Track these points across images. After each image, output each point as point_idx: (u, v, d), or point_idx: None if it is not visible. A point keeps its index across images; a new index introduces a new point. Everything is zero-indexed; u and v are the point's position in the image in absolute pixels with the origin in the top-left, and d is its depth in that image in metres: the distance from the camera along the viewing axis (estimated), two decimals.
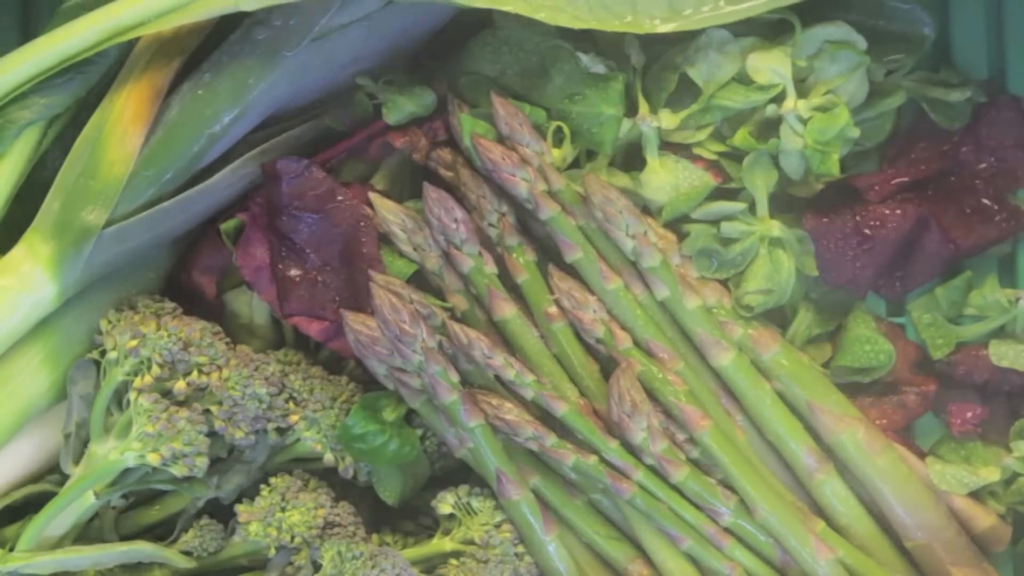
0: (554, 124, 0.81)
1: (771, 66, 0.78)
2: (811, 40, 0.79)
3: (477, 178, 0.80)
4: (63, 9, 0.75)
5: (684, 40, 0.79)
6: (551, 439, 0.76)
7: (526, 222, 0.82)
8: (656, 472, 0.77)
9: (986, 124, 0.82)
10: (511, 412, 0.76)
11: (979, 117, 0.82)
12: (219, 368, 0.75)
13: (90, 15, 0.72)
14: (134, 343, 0.72)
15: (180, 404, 0.74)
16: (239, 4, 0.71)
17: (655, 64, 0.81)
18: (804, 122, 0.78)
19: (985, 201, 0.81)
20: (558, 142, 0.81)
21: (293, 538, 0.76)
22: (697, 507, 0.78)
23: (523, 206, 0.80)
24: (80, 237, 0.74)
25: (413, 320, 0.74)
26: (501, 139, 0.80)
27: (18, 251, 0.74)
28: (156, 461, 0.72)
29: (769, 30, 0.80)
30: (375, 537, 0.80)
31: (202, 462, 0.73)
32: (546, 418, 0.79)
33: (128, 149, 0.74)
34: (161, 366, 0.73)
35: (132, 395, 0.73)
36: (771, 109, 0.79)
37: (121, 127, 0.74)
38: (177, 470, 0.73)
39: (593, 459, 0.77)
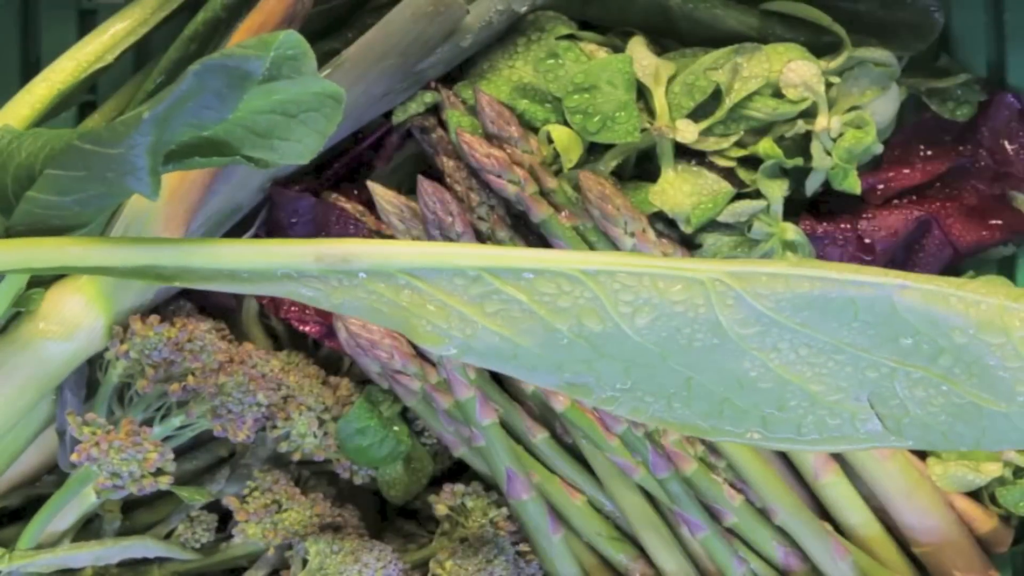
0: (547, 127, 0.79)
1: (805, 81, 0.77)
2: (848, 60, 0.78)
3: (464, 170, 0.79)
4: None
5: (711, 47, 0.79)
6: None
7: (522, 214, 0.80)
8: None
9: (986, 124, 0.81)
10: None
11: (979, 117, 0.81)
12: (215, 372, 0.73)
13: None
14: (125, 347, 0.72)
15: (180, 406, 0.73)
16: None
17: (681, 73, 0.79)
18: (834, 140, 0.77)
19: (986, 202, 0.81)
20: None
21: (291, 538, 0.77)
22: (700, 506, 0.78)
23: (515, 206, 0.79)
24: (141, 294, 0.74)
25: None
26: (488, 138, 0.79)
27: (73, 304, 0.71)
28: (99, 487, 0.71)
29: (809, 34, 0.80)
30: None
31: (149, 483, 0.71)
32: (545, 414, 0.79)
33: (191, 208, 0.75)
34: (154, 367, 0.72)
35: (72, 420, 0.72)
36: (800, 125, 0.78)
37: (184, 187, 0.74)
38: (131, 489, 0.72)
39: (641, 430, 0.76)
